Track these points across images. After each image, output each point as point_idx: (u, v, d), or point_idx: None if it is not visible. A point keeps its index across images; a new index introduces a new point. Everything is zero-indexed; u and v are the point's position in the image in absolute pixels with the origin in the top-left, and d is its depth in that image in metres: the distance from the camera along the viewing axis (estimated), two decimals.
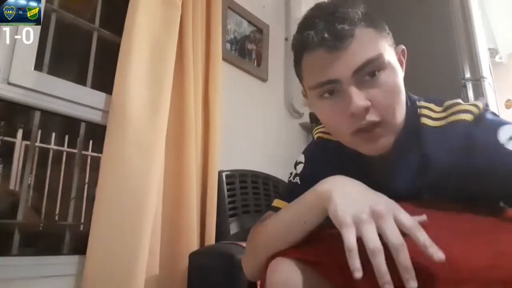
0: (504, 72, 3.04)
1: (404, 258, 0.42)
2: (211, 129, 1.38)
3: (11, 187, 1.90)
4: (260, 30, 1.91)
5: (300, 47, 0.61)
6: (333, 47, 0.56)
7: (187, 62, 1.29)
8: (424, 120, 0.63)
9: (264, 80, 1.88)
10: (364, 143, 0.60)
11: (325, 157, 0.74)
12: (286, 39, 2.10)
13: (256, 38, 1.88)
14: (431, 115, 0.63)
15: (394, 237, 0.44)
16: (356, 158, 0.67)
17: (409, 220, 0.46)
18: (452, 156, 0.58)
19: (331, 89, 0.59)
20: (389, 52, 0.60)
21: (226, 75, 1.57)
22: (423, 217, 0.51)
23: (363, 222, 0.46)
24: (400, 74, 0.61)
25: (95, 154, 1.92)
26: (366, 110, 0.57)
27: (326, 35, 0.56)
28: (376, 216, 0.46)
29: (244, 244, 0.98)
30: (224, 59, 1.54)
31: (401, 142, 0.63)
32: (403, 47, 0.66)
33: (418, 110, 0.65)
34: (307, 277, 0.54)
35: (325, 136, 0.76)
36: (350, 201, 0.49)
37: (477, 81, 1.58)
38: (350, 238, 0.45)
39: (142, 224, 1.05)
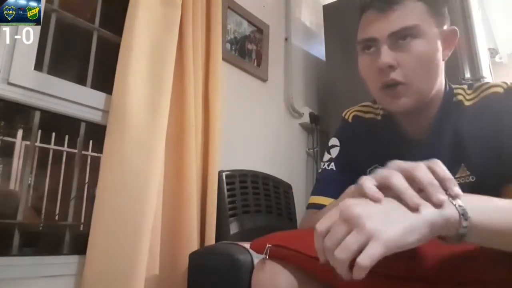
0: (504, 72, 3.04)
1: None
2: (211, 129, 1.38)
3: (11, 187, 1.91)
4: (260, 30, 1.91)
5: (359, 8, 0.71)
6: (379, 9, 0.65)
7: (187, 62, 1.29)
8: (460, 98, 0.70)
9: (264, 80, 1.88)
10: (388, 99, 0.67)
11: (359, 135, 0.80)
12: (286, 39, 2.09)
13: (256, 38, 1.88)
14: (466, 97, 0.71)
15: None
16: (390, 135, 0.75)
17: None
18: (484, 132, 0.64)
19: (370, 45, 0.68)
20: (429, 27, 0.66)
21: (226, 75, 1.57)
22: None
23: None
24: (436, 48, 0.67)
25: (95, 154, 1.92)
26: (392, 68, 0.65)
27: None
28: None
29: (244, 244, 0.98)
30: (224, 59, 1.54)
31: (437, 120, 0.70)
32: (455, 28, 0.72)
33: (454, 91, 0.72)
34: (292, 277, 0.55)
35: (360, 114, 0.83)
36: None
37: (477, 81, 1.58)
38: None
39: (142, 224, 1.05)
